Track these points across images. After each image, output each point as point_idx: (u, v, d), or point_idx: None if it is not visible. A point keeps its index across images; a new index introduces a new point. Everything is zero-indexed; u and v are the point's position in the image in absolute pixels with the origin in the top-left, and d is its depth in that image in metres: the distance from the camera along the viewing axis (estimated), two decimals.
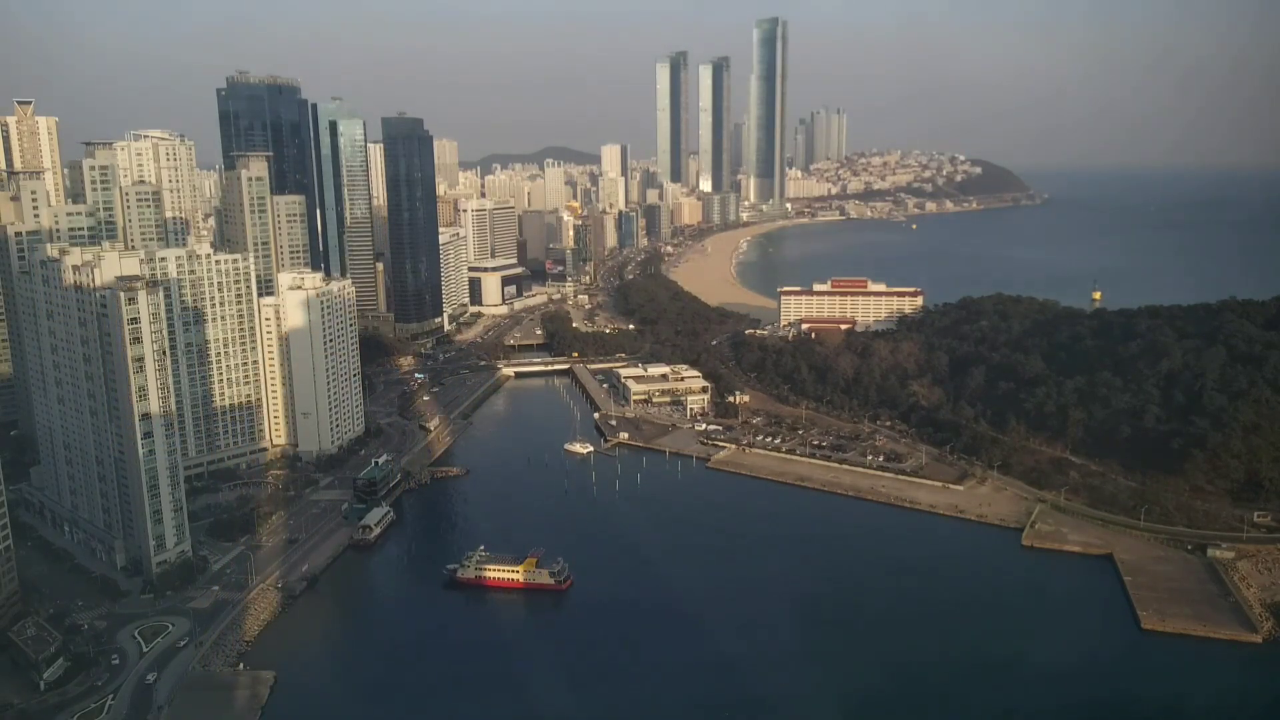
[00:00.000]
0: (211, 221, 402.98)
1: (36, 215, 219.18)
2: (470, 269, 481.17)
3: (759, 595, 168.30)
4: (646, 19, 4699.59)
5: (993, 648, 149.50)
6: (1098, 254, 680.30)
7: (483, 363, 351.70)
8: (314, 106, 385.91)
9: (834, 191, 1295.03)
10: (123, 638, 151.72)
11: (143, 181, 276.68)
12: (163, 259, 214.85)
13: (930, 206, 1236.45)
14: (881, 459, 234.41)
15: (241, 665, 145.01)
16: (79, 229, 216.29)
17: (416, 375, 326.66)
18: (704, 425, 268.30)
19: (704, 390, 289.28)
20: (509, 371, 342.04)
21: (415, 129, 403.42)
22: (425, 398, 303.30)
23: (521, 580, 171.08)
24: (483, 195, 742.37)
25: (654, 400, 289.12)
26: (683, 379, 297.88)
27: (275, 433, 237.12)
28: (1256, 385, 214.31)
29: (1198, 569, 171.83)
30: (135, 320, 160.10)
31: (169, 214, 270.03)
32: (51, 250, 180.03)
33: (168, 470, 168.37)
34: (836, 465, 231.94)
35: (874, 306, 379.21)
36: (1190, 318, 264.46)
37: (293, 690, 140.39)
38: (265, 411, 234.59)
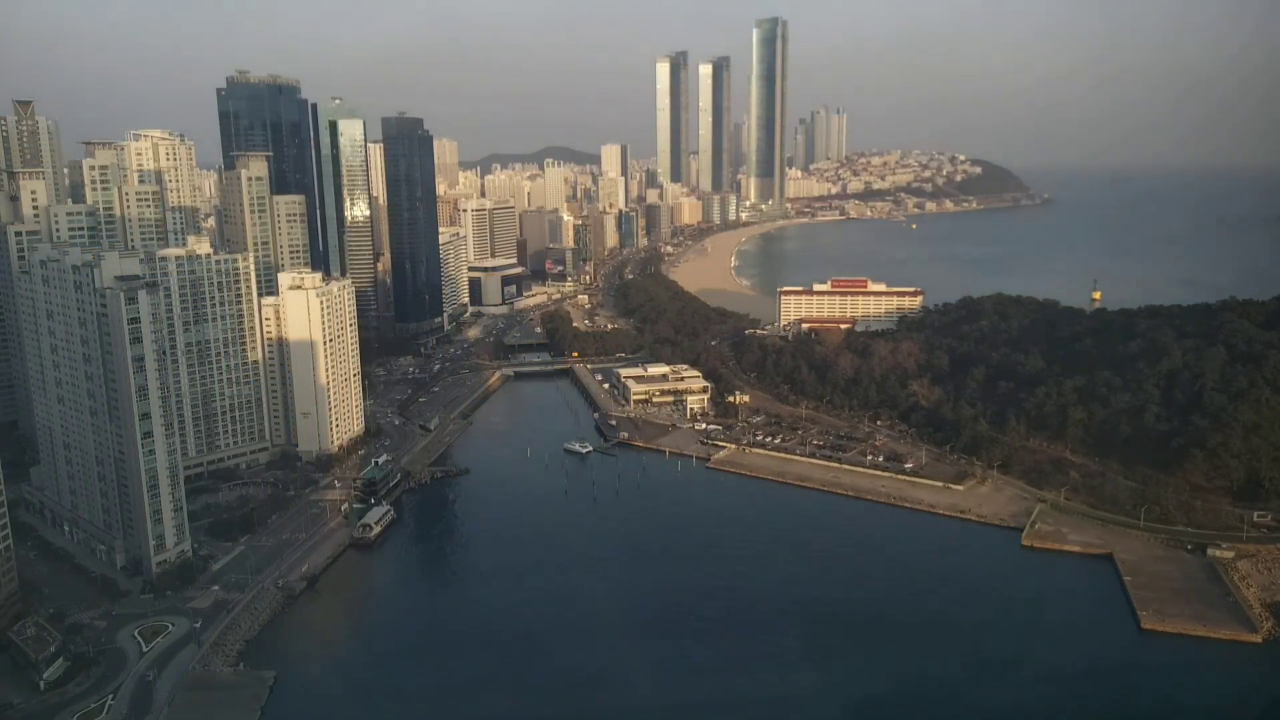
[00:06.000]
0: (211, 221, 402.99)
1: (36, 215, 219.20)
2: (470, 269, 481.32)
3: (759, 595, 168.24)
4: (646, 19, 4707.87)
5: (992, 648, 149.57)
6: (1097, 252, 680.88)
7: (481, 363, 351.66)
8: (314, 106, 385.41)
9: (834, 191, 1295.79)
10: (123, 638, 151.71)
11: (143, 180, 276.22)
12: (163, 259, 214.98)
13: (930, 206, 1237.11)
14: (881, 459, 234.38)
15: (241, 665, 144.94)
16: (79, 229, 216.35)
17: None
18: (704, 425, 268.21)
19: (704, 390, 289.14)
20: (508, 371, 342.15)
21: (415, 129, 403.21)
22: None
23: None
24: (483, 195, 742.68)
25: (654, 400, 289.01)
26: (683, 379, 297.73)
27: (275, 433, 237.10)
28: (1256, 385, 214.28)
29: (1198, 569, 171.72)
30: (135, 320, 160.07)
31: (173, 203, 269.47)
32: (51, 250, 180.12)
33: (168, 470, 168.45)
34: (836, 465, 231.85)
35: (874, 306, 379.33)
36: (1190, 317, 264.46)
37: (293, 690, 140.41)
38: (265, 411, 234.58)
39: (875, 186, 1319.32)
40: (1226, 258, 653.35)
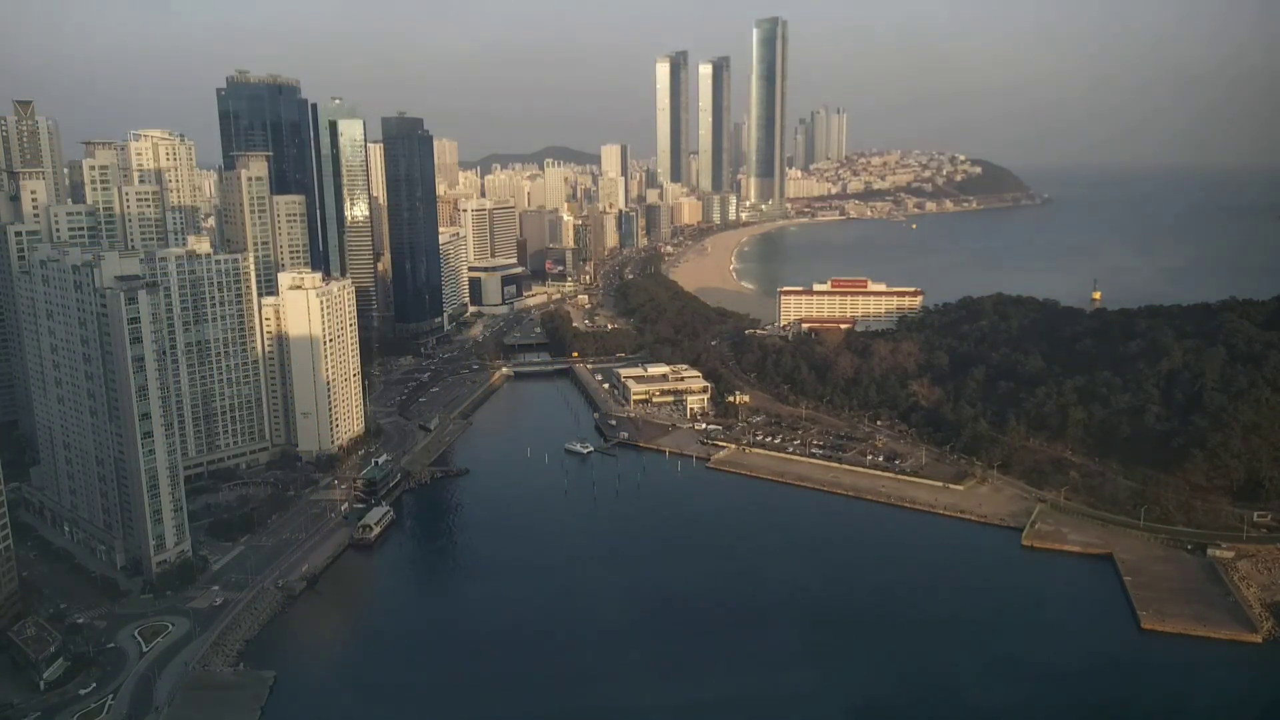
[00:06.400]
0: (211, 221, 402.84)
1: (36, 215, 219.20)
2: (470, 269, 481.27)
3: (759, 595, 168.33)
4: (646, 19, 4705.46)
5: (992, 648, 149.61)
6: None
7: (482, 363, 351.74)
8: (314, 106, 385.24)
9: (834, 191, 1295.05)
10: (123, 638, 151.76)
11: (143, 180, 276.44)
12: (163, 259, 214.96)
13: (930, 206, 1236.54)
14: (881, 459, 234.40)
15: (241, 665, 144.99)
16: (79, 229, 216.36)
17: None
18: (704, 425, 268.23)
19: (704, 390, 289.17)
20: (508, 371, 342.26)
21: (415, 129, 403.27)
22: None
23: None
24: (483, 195, 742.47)
25: (654, 400, 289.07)
26: (683, 379, 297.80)
27: (275, 433, 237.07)
28: (1256, 385, 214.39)
29: (1198, 569, 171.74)
30: (135, 320, 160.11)
31: (173, 203, 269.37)
32: (51, 250, 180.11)
33: (168, 470, 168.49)
34: (836, 465, 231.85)
35: (874, 306, 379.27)
36: (1190, 317, 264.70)
37: (293, 690, 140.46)
38: (265, 411, 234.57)
39: (875, 186, 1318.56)
40: (1224, 253, 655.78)
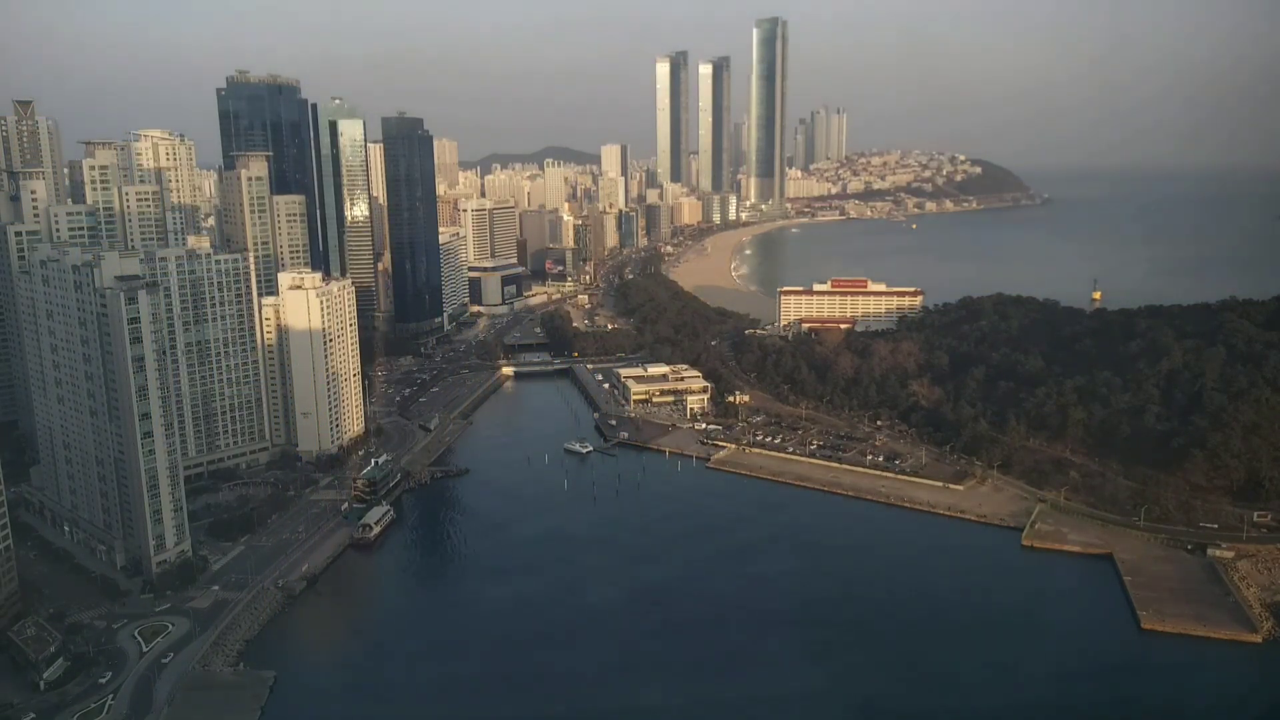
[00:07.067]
0: (212, 221, 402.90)
1: (37, 215, 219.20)
2: (470, 269, 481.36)
3: (759, 595, 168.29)
4: (646, 19, 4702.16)
5: (992, 648, 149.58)
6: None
7: (482, 363, 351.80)
8: (314, 106, 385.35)
9: (834, 191, 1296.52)
10: (123, 638, 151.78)
11: (143, 180, 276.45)
12: (163, 259, 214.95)
13: (930, 206, 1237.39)
14: (881, 459, 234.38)
15: (241, 665, 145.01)
16: (79, 229, 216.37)
17: None
18: (704, 425, 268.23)
19: (704, 390, 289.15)
20: (508, 371, 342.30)
21: (415, 129, 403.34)
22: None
23: None
24: (483, 195, 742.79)
25: (654, 400, 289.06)
26: (683, 379, 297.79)
27: (275, 433, 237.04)
28: (1256, 385, 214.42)
29: (1198, 569, 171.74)
30: (135, 320, 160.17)
31: (173, 203, 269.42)
32: (51, 250, 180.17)
33: (168, 470, 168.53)
34: (836, 465, 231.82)
35: (874, 306, 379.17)
36: (1190, 317, 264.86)
37: (293, 690, 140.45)
38: (265, 411, 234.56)
39: (875, 186, 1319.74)
40: (1224, 252, 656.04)
